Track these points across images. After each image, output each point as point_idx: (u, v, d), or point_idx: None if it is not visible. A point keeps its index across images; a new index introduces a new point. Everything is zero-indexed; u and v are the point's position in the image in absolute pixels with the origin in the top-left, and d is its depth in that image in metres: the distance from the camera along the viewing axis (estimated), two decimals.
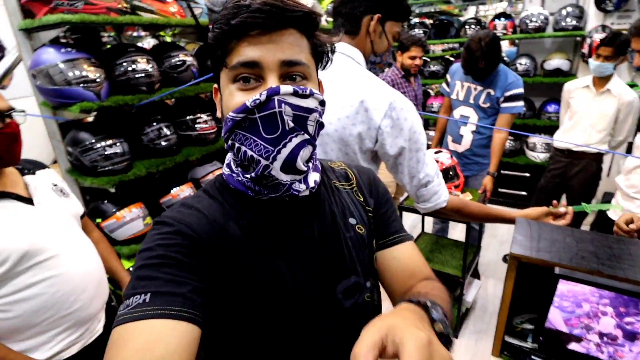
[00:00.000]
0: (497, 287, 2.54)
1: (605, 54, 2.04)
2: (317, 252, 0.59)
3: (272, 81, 0.50)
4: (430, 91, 4.43)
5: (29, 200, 0.99)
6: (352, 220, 0.64)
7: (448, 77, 2.35)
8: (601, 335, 0.88)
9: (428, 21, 3.89)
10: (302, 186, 0.56)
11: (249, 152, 0.51)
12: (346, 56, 1.07)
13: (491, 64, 1.98)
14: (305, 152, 0.53)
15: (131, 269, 1.73)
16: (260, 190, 0.55)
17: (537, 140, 3.34)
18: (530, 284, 0.99)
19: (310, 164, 0.58)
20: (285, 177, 0.52)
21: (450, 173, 2.21)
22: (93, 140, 1.62)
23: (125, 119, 1.87)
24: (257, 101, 0.48)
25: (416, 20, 4.14)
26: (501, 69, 2.08)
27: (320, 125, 0.56)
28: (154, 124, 1.85)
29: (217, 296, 0.52)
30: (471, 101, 2.18)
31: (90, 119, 2.00)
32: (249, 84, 0.51)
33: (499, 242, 3.04)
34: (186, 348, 0.42)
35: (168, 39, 3.18)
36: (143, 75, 1.68)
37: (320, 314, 0.58)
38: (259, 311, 0.55)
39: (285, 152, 0.50)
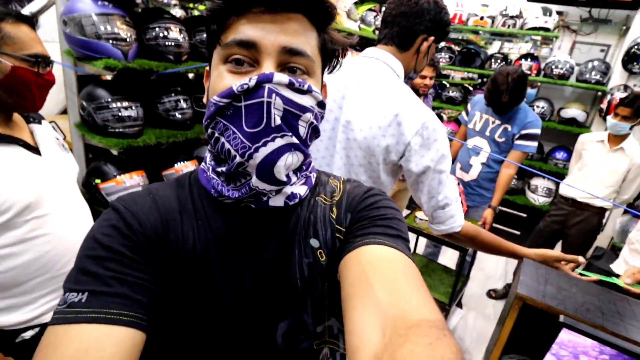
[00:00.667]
0: (478, 320, 2.54)
1: (623, 114, 2.07)
2: (266, 278, 0.50)
3: (268, 67, 0.43)
4: (444, 115, 4.45)
5: (35, 150, 0.95)
6: (313, 242, 0.52)
7: (469, 106, 2.35)
8: None
9: (455, 47, 3.91)
10: (278, 198, 0.49)
11: (226, 145, 0.44)
12: (389, 67, 1.06)
13: (514, 100, 1.98)
14: (290, 159, 0.45)
15: None
16: (223, 191, 0.48)
17: (539, 183, 3.37)
18: (528, 327, 0.98)
19: (296, 176, 0.50)
20: (261, 185, 0.45)
21: None
22: (109, 99, 1.58)
23: (145, 84, 1.84)
24: (245, 86, 0.42)
25: (443, 44, 4.16)
26: (522, 107, 2.09)
27: (314, 130, 0.47)
28: (173, 94, 1.82)
29: (163, 297, 0.46)
30: (487, 133, 2.19)
31: (108, 77, 1.96)
32: (241, 67, 0.44)
33: (485, 275, 3.06)
34: (124, 356, 0.37)
35: (196, 13, 3.14)
36: (173, 44, 1.65)
37: (252, 353, 0.50)
38: (191, 325, 0.49)
39: (264, 151, 0.43)
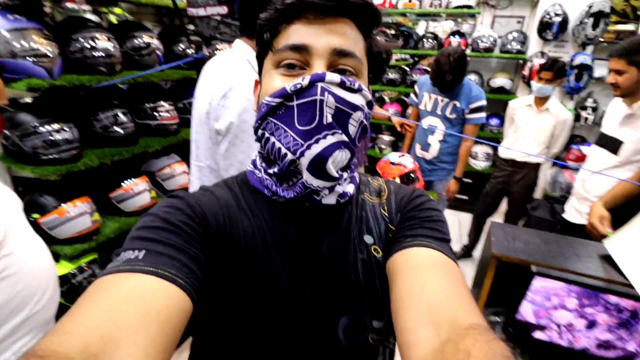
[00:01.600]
0: None
1: (546, 77, 2.30)
2: (324, 274, 0.50)
3: (319, 67, 0.44)
4: (385, 97, 4.61)
5: None
6: (367, 239, 0.53)
7: (416, 88, 2.46)
8: (565, 324, 0.99)
9: (388, 31, 4.04)
10: (331, 197, 0.50)
11: (277, 144, 0.46)
12: (241, 56, 1.12)
13: (457, 77, 2.11)
14: (340, 156, 0.46)
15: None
16: (278, 191, 0.50)
17: (479, 149, 3.64)
18: (503, 282, 1.07)
19: (346, 173, 0.50)
20: (315, 182, 0.46)
21: (412, 176, 2.33)
22: (36, 124, 1.42)
23: (74, 102, 1.67)
24: (299, 85, 0.43)
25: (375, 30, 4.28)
26: (465, 83, 2.22)
27: (363, 130, 0.48)
28: (109, 109, 1.68)
29: (212, 283, 0.46)
30: (438, 112, 2.30)
31: (28, 99, 1.75)
32: (293, 71, 0.46)
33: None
34: (175, 315, 0.35)
35: (112, 19, 2.90)
36: (103, 54, 1.52)
37: (313, 348, 0.51)
38: (249, 318, 0.48)
39: (316, 148, 0.44)
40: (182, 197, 0.48)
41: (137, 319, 0.31)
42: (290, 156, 0.45)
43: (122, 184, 1.78)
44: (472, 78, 3.45)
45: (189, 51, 1.97)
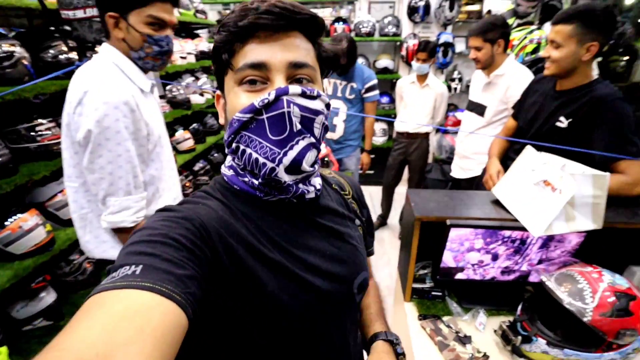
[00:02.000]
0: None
1: (422, 58, 2.65)
2: (338, 246, 0.60)
3: (279, 82, 0.49)
4: None
5: None
6: (356, 222, 0.69)
7: None
8: (477, 262, 1.22)
9: None
10: (310, 188, 0.57)
11: (254, 155, 0.50)
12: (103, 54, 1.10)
13: (351, 60, 2.33)
14: (310, 156, 0.52)
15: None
16: (270, 191, 0.54)
17: (376, 126, 4.00)
18: (426, 238, 1.26)
19: (315, 167, 0.56)
20: (287, 178, 0.51)
21: (326, 160, 2.47)
22: None
23: None
24: (266, 100, 0.48)
25: None
26: (357, 66, 2.47)
27: (325, 129, 0.55)
28: None
29: (218, 297, 0.47)
30: (339, 95, 2.52)
31: None
32: (255, 86, 0.50)
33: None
34: (170, 330, 0.35)
35: None
36: None
37: (340, 307, 0.59)
38: (275, 311, 0.51)
39: (291, 154, 0.49)
40: (178, 209, 0.49)
41: (132, 335, 0.31)
42: (269, 164, 0.49)
43: (6, 222, 1.50)
44: (360, 61, 3.73)
45: (62, 57, 1.71)
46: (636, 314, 0.91)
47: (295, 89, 0.49)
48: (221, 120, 0.57)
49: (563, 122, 1.37)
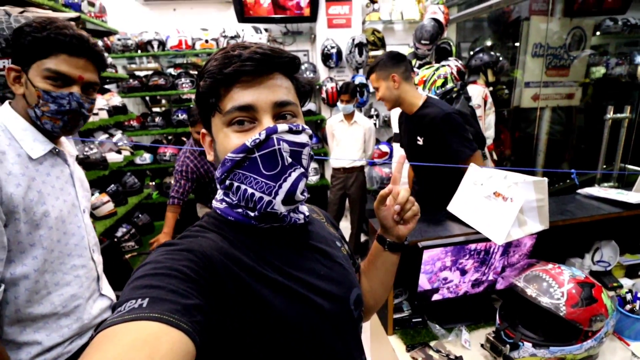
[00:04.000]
0: None
1: (346, 99, 2.84)
2: (331, 266, 0.63)
3: (267, 121, 0.53)
4: None
5: None
6: (338, 243, 0.72)
7: None
8: (449, 280, 1.25)
9: (191, 72, 4.00)
10: (300, 215, 0.61)
11: (250, 190, 0.53)
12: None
13: None
14: (302, 185, 0.56)
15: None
16: (264, 219, 0.56)
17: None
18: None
19: (305, 195, 0.59)
20: (284, 209, 0.55)
21: None
22: None
23: None
24: (257, 140, 0.51)
25: (172, 70, 4.17)
26: None
27: (311, 158, 0.59)
28: None
29: (226, 324, 0.48)
30: None
31: None
32: (243, 126, 0.53)
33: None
34: (179, 358, 0.36)
35: None
36: None
37: (341, 325, 0.61)
38: (284, 332, 0.52)
39: (286, 186, 0.53)
40: (178, 243, 0.50)
41: None
42: (266, 197, 0.53)
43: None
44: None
45: None
46: (599, 299, 1.01)
47: (283, 127, 0.53)
48: (209, 158, 0.60)
49: (420, 140, 1.75)
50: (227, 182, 0.55)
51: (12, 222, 0.84)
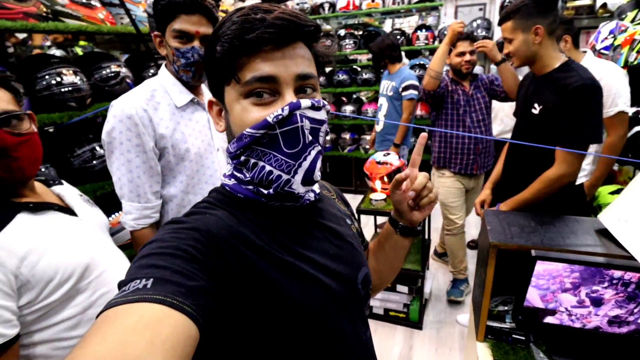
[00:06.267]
0: (446, 274, 2.72)
1: None
2: (341, 245, 0.61)
3: (289, 96, 0.50)
4: (363, 97, 4.63)
5: (70, 212, 0.92)
6: (348, 221, 0.69)
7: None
8: (573, 305, 0.98)
9: (357, 32, 4.08)
10: (311, 194, 0.61)
11: (268, 167, 0.51)
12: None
13: (393, 61, 2.80)
14: (319, 163, 0.54)
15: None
16: (277, 197, 0.54)
17: None
18: (500, 268, 1.07)
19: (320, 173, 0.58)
20: (302, 190, 0.53)
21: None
22: None
23: (45, 141, 1.61)
24: (280, 117, 0.49)
25: (343, 31, 4.32)
26: (402, 68, 2.78)
27: (326, 134, 0.57)
28: (86, 144, 1.63)
29: (233, 305, 0.47)
30: (383, 92, 2.87)
31: None
32: (262, 99, 0.50)
33: (437, 232, 3.27)
34: (180, 343, 0.35)
35: (78, 51, 2.84)
36: (70, 89, 1.47)
37: (348, 304, 0.59)
38: (292, 311, 0.52)
39: (305, 164, 0.51)
40: (185, 221, 0.49)
41: (143, 348, 0.32)
42: (285, 176, 0.51)
43: (110, 218, 1.72)
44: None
45: None
46: None
47: (306, 102, 0.50)
48: (219, 128, 0.57)
49: (535, 108, 1.41)
50: (243, 158, 0.53)
51: (164, 155, 1.13)
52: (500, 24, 1.45)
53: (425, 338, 2.18)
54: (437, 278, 2.72)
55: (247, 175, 0.54)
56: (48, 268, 0.78)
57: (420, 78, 2.76)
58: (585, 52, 1.85)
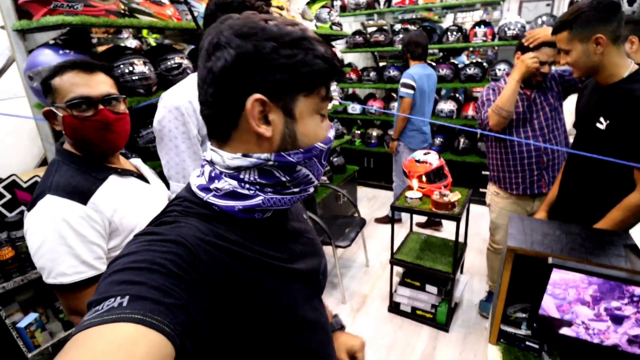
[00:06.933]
0: (482, 282, 2.64)
1: None
2: (305, 242, 0.66)
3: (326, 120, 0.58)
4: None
5: (144, 179, 1.09)
6: (304, 216, 0.74)
7: None
8: (590, 319, 0.96)
9: (411, 27, 4.01)
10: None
11: (307, 173, 0.55)
12: None
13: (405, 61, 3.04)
14: None
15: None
16: (273, 201, 0.54)
17: None
18: (524, 275, 1.06)
19: None
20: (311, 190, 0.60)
21: (440, 172, 2.31)
22: None
23: None
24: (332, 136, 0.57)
25: (399, 26, 4.26)
26: (414, 66, 2.97)
27: None
28: (150, 126, 1.85)
29: (215, 314, 0.46)
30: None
31: None
32: (324, 118, 0.56)
33: (482, 239, 3.17)
34: None
35: (151, 41, 3.15)
36: (140, 77, 1.68)
37: (313, 294, 0.65)
38: (273, 311, 0.54)
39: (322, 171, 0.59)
40: (160, 232, 0.46)
41: None
42: (315, 181, 0.57)
43: None
44: (501, 68, 3.34)
45: None
46: None
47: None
48: (266, 133, 0.50)
49: (602, 123, 1.28)
50: (298, 167, 0.54)
51: (206, 141, 1.27)
52: (554, 33, 1.31)
53: (450, 341, 2.17)
54: (471, 284, 2.66)
55: (280, 177, 0.53)
56: (132, 220, 0.96)
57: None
58: None
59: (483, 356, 2.09)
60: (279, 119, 0.50)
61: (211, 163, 0.54)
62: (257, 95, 0.48)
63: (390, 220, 2.25)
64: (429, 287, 2.25)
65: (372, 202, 4.20)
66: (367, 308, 2.49)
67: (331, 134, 0.56)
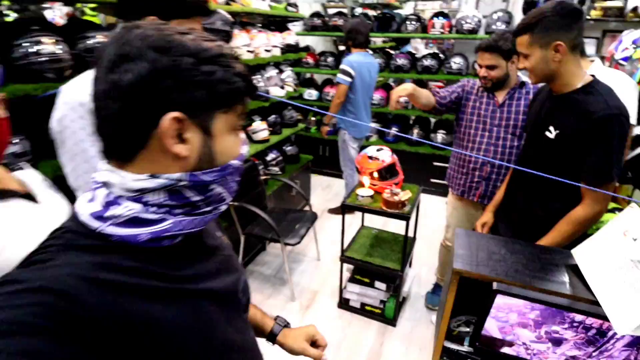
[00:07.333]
0: (430, 274, 2.70)
1: None
2: (220, 260, 0.61)
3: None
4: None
5: (31, 198, 0.86)
6: (218, 234, 0.68)
7: None
8: (531, 341, 0.95)
9: (371, 13, 3.89)
10: None
11: (220, 191, 0.52)
12: None
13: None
14: None
15: None
16: (186, 224, 0.50)
17: None
18: (469, 289, 1.03)
19: None
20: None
21: (392, 169, 2.27)
22: None
23: (24, 111, 1.57)
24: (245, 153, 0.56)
25: (360, 10, 4.13)
26: (353, 54, 2.96)
27: None
28: None
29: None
30: None
31: None
32: (240, 135, 0.55)
33: (431, 230, 3.23)
34: None
35: (88, 11, 2.77)
36: (48, 59, 1.41)
37: (231, 314, 0.61)
38: (178, 340, 0.49)
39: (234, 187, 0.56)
40: (24, 279, 0.39)
41: None
42: (229, 198, 0.55)
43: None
44: (456, 61, 3.35)
45: None
46: None
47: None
48: (182, 152, 0.45)
49: (551, 133, 1.28)
50: (212, 186, 0.50)
51: None
52: (515, 36, 1.28)
53: (397, 335, 2.19)
54: (419, 277, 2.71)
55: (192, 198, 0.49)
56: (8, 261, 0.75)
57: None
58: (593, 60, 1.71)
59: (428, 351, 2.15)
60: (196, 137, 0.47)
61: (107, 185, 0.48)
62: (175, 114, 0.44)
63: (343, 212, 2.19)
64: (378, 284, 2.24)
65: (326, 191, 4.14)
66: (317, 305, 2.45)
67: (244, 150, 0.55)
